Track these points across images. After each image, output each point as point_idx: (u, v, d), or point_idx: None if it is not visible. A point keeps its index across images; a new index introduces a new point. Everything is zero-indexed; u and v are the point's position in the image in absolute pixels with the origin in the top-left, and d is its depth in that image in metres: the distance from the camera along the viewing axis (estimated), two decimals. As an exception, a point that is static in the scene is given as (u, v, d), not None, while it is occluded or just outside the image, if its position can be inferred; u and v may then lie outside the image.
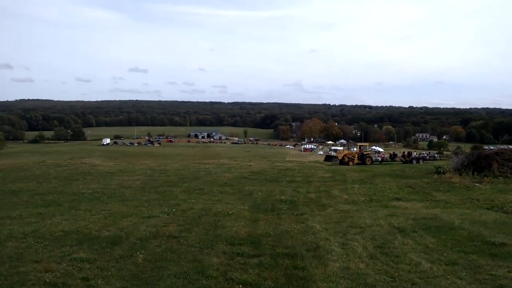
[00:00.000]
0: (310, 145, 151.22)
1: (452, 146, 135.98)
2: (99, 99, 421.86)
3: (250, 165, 34.48)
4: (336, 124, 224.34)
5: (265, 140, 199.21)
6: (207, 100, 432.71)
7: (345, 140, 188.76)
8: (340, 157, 41.70)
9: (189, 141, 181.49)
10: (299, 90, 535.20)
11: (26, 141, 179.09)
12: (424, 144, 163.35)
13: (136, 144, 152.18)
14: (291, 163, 39.24)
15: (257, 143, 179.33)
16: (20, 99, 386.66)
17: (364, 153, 41.94)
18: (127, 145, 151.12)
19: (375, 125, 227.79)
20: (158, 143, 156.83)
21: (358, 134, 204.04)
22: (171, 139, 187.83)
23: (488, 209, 14.07)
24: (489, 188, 19.54)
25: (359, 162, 39.93)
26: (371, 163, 39.87)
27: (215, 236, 9.19)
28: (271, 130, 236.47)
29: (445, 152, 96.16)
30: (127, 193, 17.95)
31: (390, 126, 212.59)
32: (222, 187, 20.46)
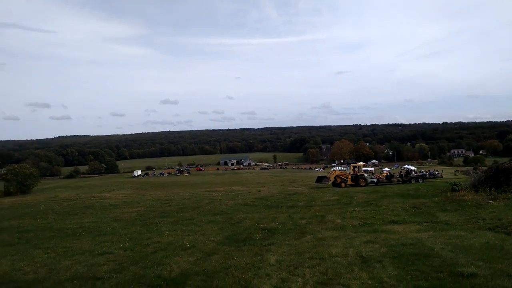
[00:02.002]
0: (340, 167, 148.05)
1: (489, 160, 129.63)
2: (133, 132, 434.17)
3: (260, 191, 33.45)
4: (368, 144, 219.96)
5: (295, 164, 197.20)
6: (237, 127, 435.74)
7: (377, 160, 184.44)
8: (332, 178, 39.55)
9: (218, 169, 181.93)
10: (328, 112, 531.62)
11: (62, 177, 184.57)
12: (460, 160, 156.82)
13: (166, 174, 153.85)
14: (304, 187, 37.87)
15: (286, 168, 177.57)
16: (59, 136, 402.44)
17: (358, 174, 39.43)
18: (157, 175, 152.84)
19: (408, 143, 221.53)
20: (187, 172, 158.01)
21: (391, 153, 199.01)
22: (200, 168, 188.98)
23: (490, 229, 12.54)
24: (503, 205, 17.71)
25: (353, 183, 37.73)
26: (366, 185, 37.32)
27: (141, 276, 8.32)
28: (301, 154, 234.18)
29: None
30: (113, 227, 17.40)
31: (423, 144, 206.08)
32: (214, 216, 19.63)
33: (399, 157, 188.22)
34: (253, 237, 12.72)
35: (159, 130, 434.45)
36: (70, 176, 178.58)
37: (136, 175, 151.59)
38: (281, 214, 19.06)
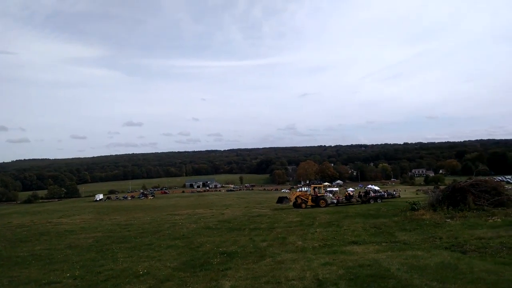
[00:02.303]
0: (305, 188, 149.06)
1: (449, 179, 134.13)
2: (95, 155, 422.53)
3: (223, 214, 33.00)
4: (332, 164, 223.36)
5: (261, 186, 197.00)
6: (203, 149, 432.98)
7: (341, 180, 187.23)
8: (292, 199, 39.63)
9: (183, 191, 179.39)
10: (293, 133, 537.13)
11: (19, 202, 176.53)
12: (421, 179, 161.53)
13: (130, 198, 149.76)
14: (269, 209, 37.66)
15: (252, 189, 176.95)
16: (16, 160, 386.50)
17: (319, 195, 39.68)
18: (120, 199, 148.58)
19: (371, 164, 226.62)
20: (152, 196, 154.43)
21: (355, 173, 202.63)
22: (165, 191, 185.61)
23: (446, 248, 12.72)
24: (459, 223, 18.15)
25: (313, 204, 37.97)
26: (326, 206, 37.64)
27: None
28: (267, 175, 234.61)
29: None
30: (65, 254, 16.54)
31: (386, 164, 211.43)
32: (174, 240, 19.07)
33: (363, 177, 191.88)
34: (211, 262, 12.33)
35: (123, 153, 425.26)
36: (28, 201, 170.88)
37: (98, 199, 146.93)
38: (242, 237, 18.74)
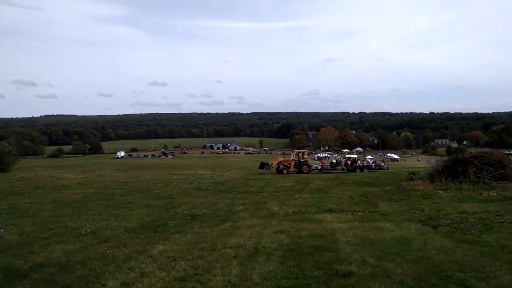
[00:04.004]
0: (324, 154, 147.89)
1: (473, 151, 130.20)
2: (120, 113, 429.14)
3: (222, 175, 32.70)
4: (354, 131, 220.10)
5: (280, 150, 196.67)
6: (226, 112, 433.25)
7: (361, 147, 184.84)
8: (274, 165, 38.32)
9: (203, 152, 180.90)
10: (316, 99, 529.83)
11: (45, 156, 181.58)
12: (443, 150, 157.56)
13: (150, 157, 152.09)
14: (271, 174, 37.03)
15: (271, 153, 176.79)
16: (45, 115, 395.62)
17: (302, 160, 38.37)
18: (141, 157, 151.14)
19: (394, 132, 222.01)
20: (172, 155, 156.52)
21: (376, 141, 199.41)
22: (185, 151, 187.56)
23: (421, 221, 11.99)
24: (451, 195, 17.20)
25: (296, 170, 36.77)
26: (308, 172, 36.52)
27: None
28: (287, 140, 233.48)
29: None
30: (41, 209, 16.48)
31: (408, 133, 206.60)
32: (156, 199, 18.86)
33: (384, 145, 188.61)
34: (168, 224, 11.92)
35: (147, 112, 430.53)
36: (53, 155, 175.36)
37: (119, 156, 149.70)
38: (224, 200, 18.33)
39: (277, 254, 7.87)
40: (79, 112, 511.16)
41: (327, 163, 41.92)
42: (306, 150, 42.65)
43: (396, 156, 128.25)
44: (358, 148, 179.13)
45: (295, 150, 42.34)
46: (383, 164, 43.93)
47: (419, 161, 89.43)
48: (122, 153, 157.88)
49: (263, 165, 39.50)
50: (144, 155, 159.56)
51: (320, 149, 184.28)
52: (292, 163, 37.65)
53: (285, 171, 36.34)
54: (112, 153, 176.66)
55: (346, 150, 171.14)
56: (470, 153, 24.09)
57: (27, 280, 6.69)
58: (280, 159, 39.62)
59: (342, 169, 38.94)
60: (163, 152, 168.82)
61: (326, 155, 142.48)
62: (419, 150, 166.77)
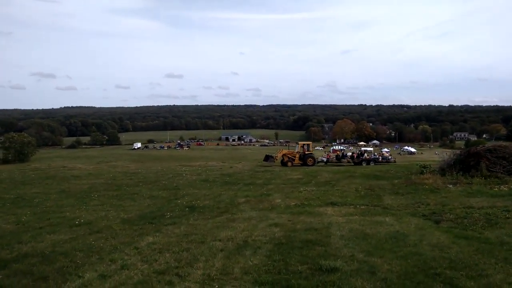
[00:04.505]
0: (340, 146, 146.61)
1: (488, 144, 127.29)
2: (138, 105, 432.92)
3: (232, 167, 32.63)
4: (371, 124, 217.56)
5: (296, 142, 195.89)
6: (242, 104, 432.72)
7: (378, 140, 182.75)
8: (279, 157, 37.67)
9: (218, 144, 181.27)
10: (333, 91, 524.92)
11: (64, 147, 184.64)
12: (462, 143, 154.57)
13: (166, 148, 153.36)
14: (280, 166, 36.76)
15: (286, 145, 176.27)
16: (64, 107, 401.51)
17: (306, 152, 37.66)
18: (157, 149, 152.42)
19: (412, 125, 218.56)
20: (187, 147, 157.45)
21: (393, 134, 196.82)
22: (200, 143, 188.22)
23: (424, 215, 11.58)
24: (460, 190, 16.71)
25: (300, 162, 36.16)
26: (313, 164, 35.90)
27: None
28: (303, 132, 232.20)
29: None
30: (46, 199, 16.69)
31: (426, 126, 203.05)
32: (161, 191, 18.91)
33: (401, 138, 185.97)
34: (165, 216, 11.85)
35: (164, 104, 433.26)
36: (72, 146, 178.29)
37: (136, 147, 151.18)
38: (229, 191, 18.27)
39: (266, 248, 7.68)
40: (97, 104, 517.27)
41: (333, 155, 41.16)
42: (311, 142, 41.73)
43: (413, 149, 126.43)
44: (375, 141, 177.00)
45: (300, 143, 41.70)
46: (390, 157, 43.16)
47: (437, 154, 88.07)
48: (139, 145, 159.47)
49: (267, 158, 39.05)
50: (160, 147, 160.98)
51: (336, 142, 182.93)
52: (297, 156, 37.13)
53: (289, 164, 35.88)
54: (129, 144, 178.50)
55: (362, 142, 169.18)
56: (484, 146, 23.38)
57: (5, 270, 6.67)
58: (285, 151, 39.01)
59: (348, 161, 38.37)
60: (178, 144, 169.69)
61: (342, 147, 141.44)
62: (437, 144, 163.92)
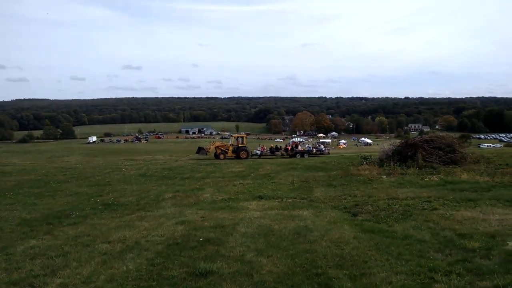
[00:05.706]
0: (299, 138, 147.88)
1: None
2: (95, 97, 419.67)
3: (177, 161, 31.78)
4: (330, 116, 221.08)
5: (256, 134, 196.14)
6: (203, 96, 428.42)
7: (336, 132, 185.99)
8: (212, 150, 37.00)
9: (177, 137, 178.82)
10: (294, 84, 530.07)
11: (14, 141, 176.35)
12: (415, 134, 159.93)
13: (123, 141, 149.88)
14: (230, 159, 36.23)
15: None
16: (16, 99, 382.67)
17: (240, 145, 37.02)
18: (113, 142, 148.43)
19: (369, 117, 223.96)
20: (145, 140, 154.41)
21: (351, 126, 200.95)
22: (159, 136, 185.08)
23: (345, 208, 11.42)
24: (392, 181, 16.80)
25: (234, 155, 35.53)
26: (247, 157, 35.38)
27: None
28: (264, 124, 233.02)
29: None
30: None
31: (383, 117, 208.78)
32: (88, 187, 17.87)
33: (359, 130, 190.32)
34: (71, 215, 11.00)
35: (122, 96, 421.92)
36: (23, 140, 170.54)
37: (91, 141, 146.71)
38: (161, 187, 17.47)
39: (154, 250, 7.08)
40: (51, 96, 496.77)
41: (267, 148, 41.13)
42: (245, 135, 40.90)
43: (369, 141, 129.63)
44: (333, 133, 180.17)
45: (233, 135, 40.87)
46: (324, 148, 44.11)
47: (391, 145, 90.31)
48: (94, 138, 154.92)
49: (199, 150, 38.09)
50: (116, 140, 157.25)
51: (296, 134, 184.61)
52: (230, 148, 36.41)
53: (221, 156, 35.04)
54: (84, 138, 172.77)
55: (321, 134, 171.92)
56: (421, 137, 23.77)
57: None
58: (218, 143, 38.26)
59: (282, 154, 38.02)
60: (136, 137, 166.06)
61: (301, 139, 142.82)
62: (393, 135, 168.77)
